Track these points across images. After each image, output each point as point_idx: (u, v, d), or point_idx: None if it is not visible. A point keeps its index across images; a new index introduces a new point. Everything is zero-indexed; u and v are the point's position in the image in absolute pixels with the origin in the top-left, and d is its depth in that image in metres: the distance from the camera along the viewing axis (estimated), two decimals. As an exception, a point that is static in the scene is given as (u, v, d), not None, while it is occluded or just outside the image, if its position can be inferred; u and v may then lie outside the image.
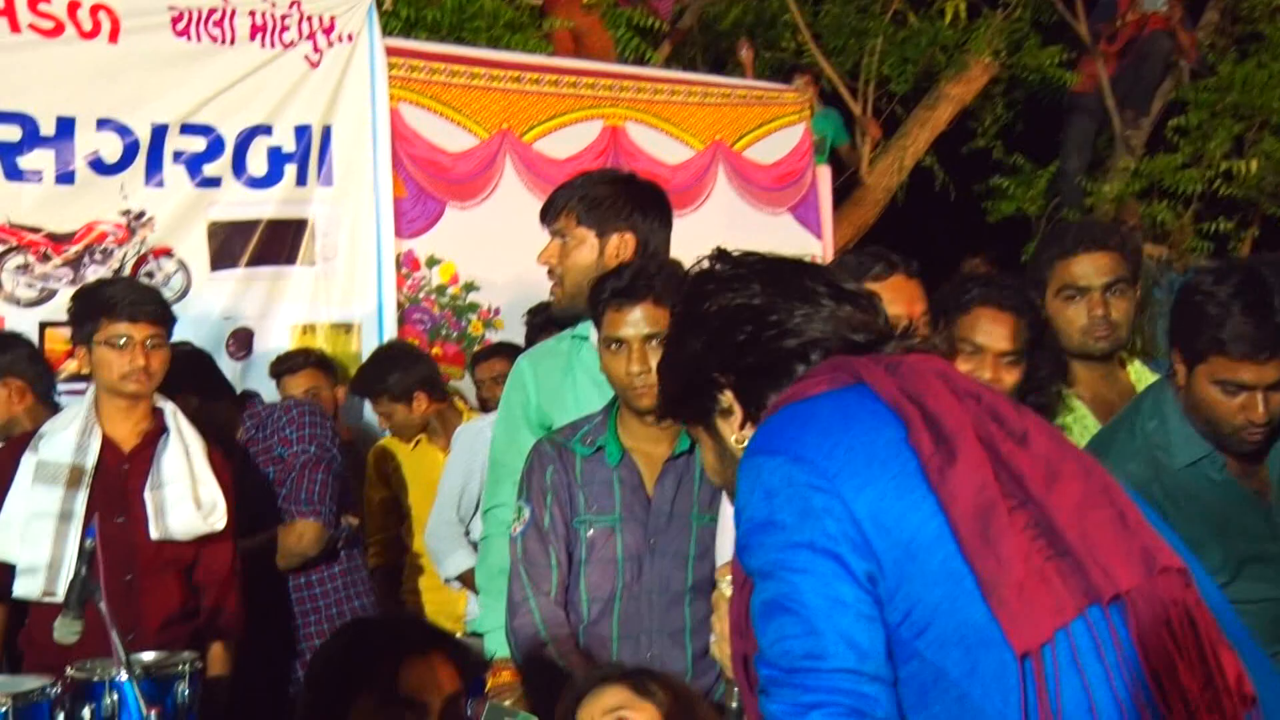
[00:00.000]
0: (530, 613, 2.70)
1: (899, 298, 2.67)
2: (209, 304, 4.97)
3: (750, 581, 1.49)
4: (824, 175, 6.90)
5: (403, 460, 4.73)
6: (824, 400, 1.51)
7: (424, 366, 4.75)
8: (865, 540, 1.41)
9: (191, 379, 3.85)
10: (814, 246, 6.62)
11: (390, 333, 5.26)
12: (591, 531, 2.73)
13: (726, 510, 2.63)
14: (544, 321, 4.34)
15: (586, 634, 2.70)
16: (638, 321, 2.68)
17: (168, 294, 4.33)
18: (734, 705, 1.69)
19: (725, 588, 1.74)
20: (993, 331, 2.84)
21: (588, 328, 2.91)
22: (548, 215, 3.05)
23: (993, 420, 1.48)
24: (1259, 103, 7.83)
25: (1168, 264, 8.06)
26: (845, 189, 8.03)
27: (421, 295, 5.49)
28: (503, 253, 5.34)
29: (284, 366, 4.79)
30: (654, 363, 2.68)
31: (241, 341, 5.05)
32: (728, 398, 1.66)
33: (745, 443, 1.61)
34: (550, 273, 3.03)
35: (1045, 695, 1.34)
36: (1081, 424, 2.93)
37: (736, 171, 6.36)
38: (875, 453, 1.45)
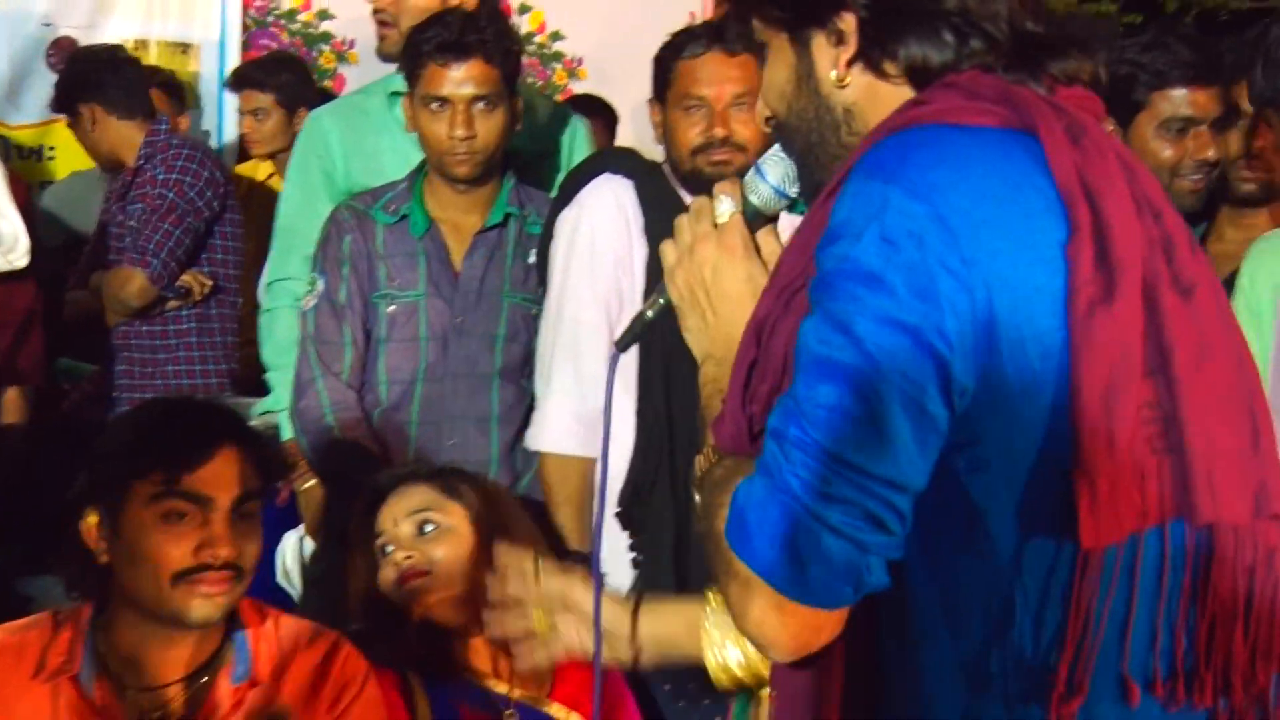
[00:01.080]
0: (317, 394, 2.52)
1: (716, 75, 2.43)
2: (25, 4, 4.54)
3: (806, 303, 1.23)
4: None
5: (245, 192, 4.44)
6: (988, 145, 1.23)
7: (314, 86, 4.49)
8: (974, 350, 1.16)
9: (100, 91, 3.61)
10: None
11: (233, 58, 4.88)
12: (392, 307, 2.53)
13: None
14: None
15: (383, 419, 2.54)
16: (465, 80, 2.44)
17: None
18: (649, 314, 1.47)
19: (724, 207, 1.42)
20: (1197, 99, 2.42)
21: (398, 80, 2.64)
22: None
23: (1164, 255, 1.22)
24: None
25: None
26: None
27: (270, 19, 5.09)
28: (363, -24, 4.96)
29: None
30: (479, 127, 2.48)
31: (65, 52, 4.63)
32: (849, 22, 1.32)
33: (845, 82, 1.33)
34: (378, 14, 2.74)
35: (1087, 599, 1.18)
36: None
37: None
38: (1028, 248, 1.19)
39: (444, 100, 2.45)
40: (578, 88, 5.24)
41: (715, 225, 1.42)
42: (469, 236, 2.56)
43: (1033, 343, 1.17)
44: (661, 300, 1.47)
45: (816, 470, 1.16)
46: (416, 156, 2.60)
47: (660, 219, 2.37)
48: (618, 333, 1.66)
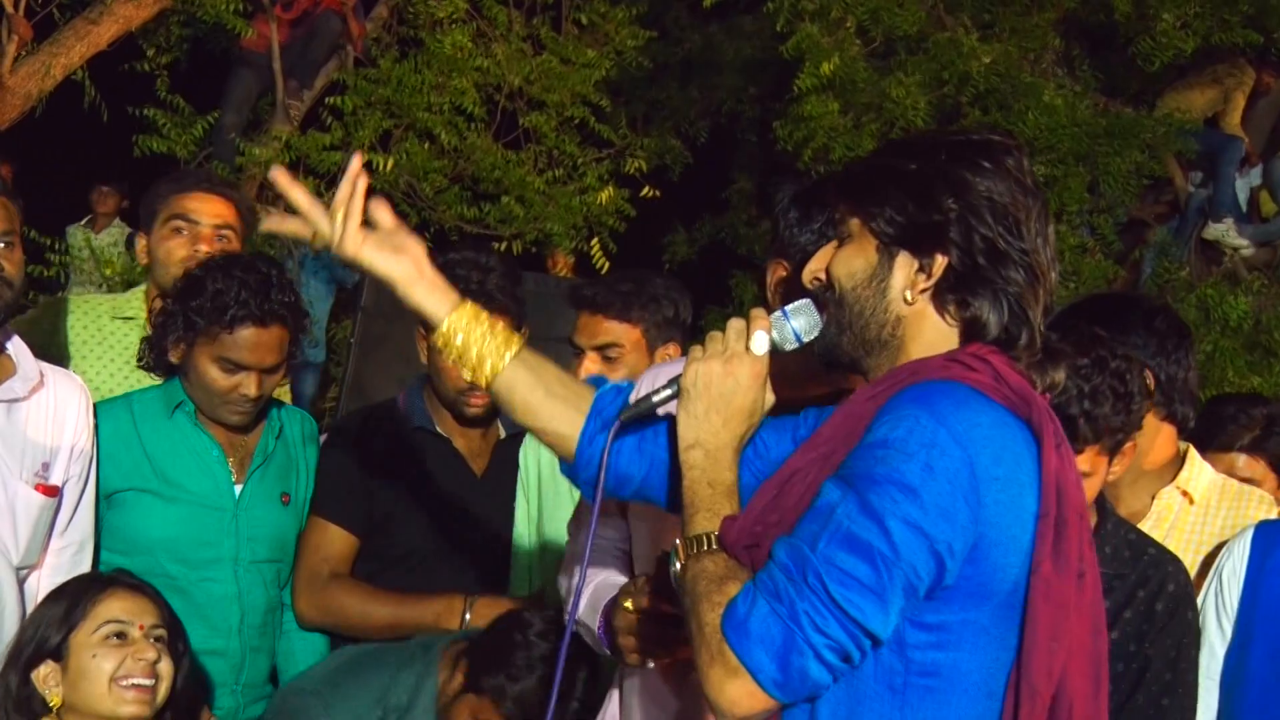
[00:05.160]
0: None
1: None
2: None
3: (829, 468, 1.60)
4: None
5: None
6: (1006, 424, 1.60)
7: None
8: (963, 559, 1.57)
9: None
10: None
11: None
12: None
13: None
14: None
15: None
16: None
17: None
18: (655, 400, 1.81)
19: (761, 343, 1.75)
20: None
21: None
22: None
23: (1080, 550, 1.66)
24: (408, 104, 8.28)
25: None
26: (-17, 88, 7.17)
27: None
28: None
29: None
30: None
31: None
32: (940, 264, 1.64)
33: (914, 301, 1.65)
34: None
35: None
36: None
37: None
38: (1014, 507, 1.60)
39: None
40: None
41: (747, 348, 1.76)
42: None
43: (1003, 569, 1.62)
44: (671, 391, 1.78)
45: (823, 614, 1.55)
46: None
47: None
48: None
